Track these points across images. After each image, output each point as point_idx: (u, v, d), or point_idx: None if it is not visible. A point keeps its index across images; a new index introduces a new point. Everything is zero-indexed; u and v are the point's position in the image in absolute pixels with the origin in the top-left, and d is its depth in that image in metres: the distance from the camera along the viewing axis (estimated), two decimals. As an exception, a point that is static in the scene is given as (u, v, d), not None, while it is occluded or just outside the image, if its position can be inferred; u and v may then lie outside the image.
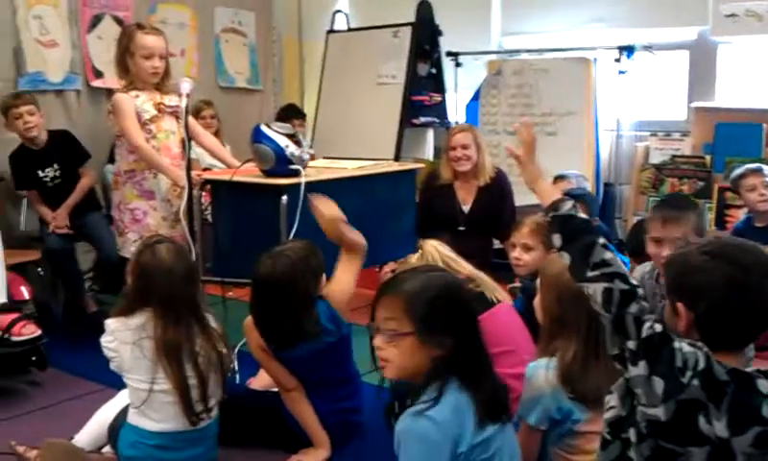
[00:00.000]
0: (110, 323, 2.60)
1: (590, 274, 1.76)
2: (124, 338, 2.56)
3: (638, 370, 1.64)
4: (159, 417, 2.54)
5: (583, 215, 1.89)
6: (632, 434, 1.68)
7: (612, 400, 1.78)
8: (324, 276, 2.91)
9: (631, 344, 1.66)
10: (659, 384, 1.60)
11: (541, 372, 2.20)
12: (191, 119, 3.75)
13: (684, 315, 1.68)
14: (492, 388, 1.99)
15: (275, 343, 2.87)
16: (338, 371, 3.00)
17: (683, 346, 1.63)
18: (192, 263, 2.68)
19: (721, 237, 1.79)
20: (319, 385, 2.93)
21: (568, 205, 1.90)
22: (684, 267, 1.71)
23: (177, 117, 3.76)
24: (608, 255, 1.77)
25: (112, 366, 2.63)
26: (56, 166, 4.47)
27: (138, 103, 3.77)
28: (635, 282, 1.74)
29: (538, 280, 2.41)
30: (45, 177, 4.45)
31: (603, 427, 1.80)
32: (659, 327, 1.67)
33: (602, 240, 1.80)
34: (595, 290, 1.74)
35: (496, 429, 1.97)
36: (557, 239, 1.88)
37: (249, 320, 2.93)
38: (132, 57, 3.78)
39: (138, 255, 2.64)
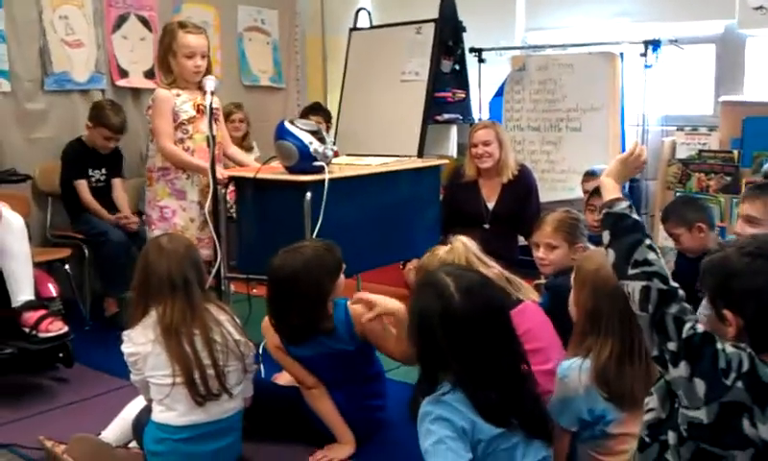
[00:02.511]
0: (129, 332, 2.62)
1: (631, 271, 1.75)
2: (142, 339, 2.57)
3: (679, 371, 1.62)
4: (182, 410, 2.54)
5: (636, 216, 1.87)
6: (671, 437, 1.66)
7: (651, 401, 1.76)
8: (342, 276, 2.90)
9: (671, 345, 1.64)
10: (700, 386, 1.58)
11: (575, 373, 2.18)
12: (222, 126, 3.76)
13: (734, 321, 1.65)
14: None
15: (285, 338, 2.88)
16: (359, 371, 3.00)
17: (726, 346, 1.60)
18: (191, 248, 2.68)
19: (755, 235, 1.74)
20: (340, 384, 2.94)
21: (624, 204, 1.89)
22: (726, 272, 1.67)
23: (215, 119, 3.73)
24: (651, 256, 1.75)
25: (133, 378, 2.64)
26: (104, 170, 4.68)
27: (178, 102, 3.79)
28: (674, 284, 1.72)
29: (572, 276, 2.38)
30: (93, 176, 4.64)
31: (641, 429, 1.78)
32: (700, 328, 1.64)
33: (648, 241, 1.79)
34: (634, 288, 1.73)
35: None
36: (606, 236, 1.87)
37: (266, 320, 2.95)
38: (175, 56, 3.80)
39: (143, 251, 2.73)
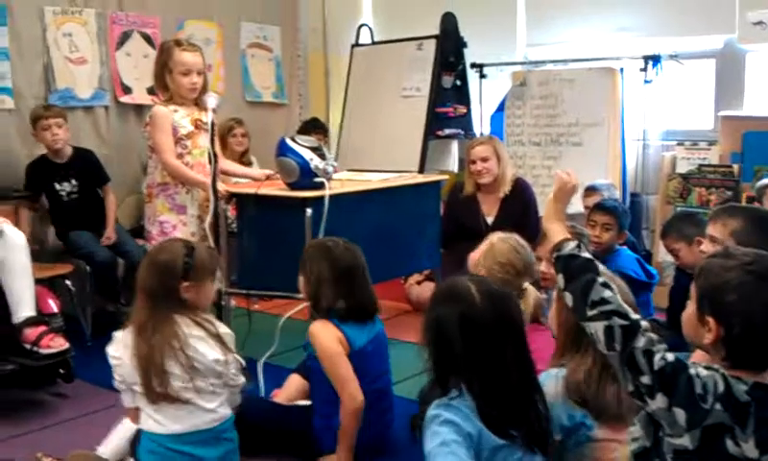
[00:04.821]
0: (116, 333, 2.64)
1: (590, 313, 1.72)
2: (126, 343, 2.58)
3: (657, 403, 1.61)
4: (167, 419, 2.55)
5: (586, 254, 1.84)
6: None
7: (635, 431, 1.75)
8: None
9: (645, 378, 1.62)
10: (680, 415, 1.57)
11: (551, 381, 2.18)
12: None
13: (715, 330, 1.63)
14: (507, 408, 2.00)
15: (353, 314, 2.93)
16: (381, 379, 3.04)
17: (699, 371, 1.59)
18: (175, 258, 2.62)
19: (762, 252, 1.70)
20: (366, 395, 2.92)
21: (571, 245, 1.86)
22: (723, 281, 1.63)
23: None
24: (606, 293, 1.72)
25: (116, 380, 2.65)
26: (74, 182, 4.56)
27: (176, 118, 3.81)
28: (635, 317, 1.69)
29: (554, 293, 2.39)
30: (62, 191, 4.54)
31: (629, 460, 1.77)
32: (670, 357, 1.62)
33: (602, 279, 1.75)
34: (596, 329, 1.70)
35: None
36: (560, 280, 1.84)
37: (319, 322, 2.91)
38: (171, 73, 3.82)
39: None
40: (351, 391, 2.84)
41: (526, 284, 2.93)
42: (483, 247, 2.97)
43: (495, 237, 3.00)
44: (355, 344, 2.90)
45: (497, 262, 2.89)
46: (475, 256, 2.96)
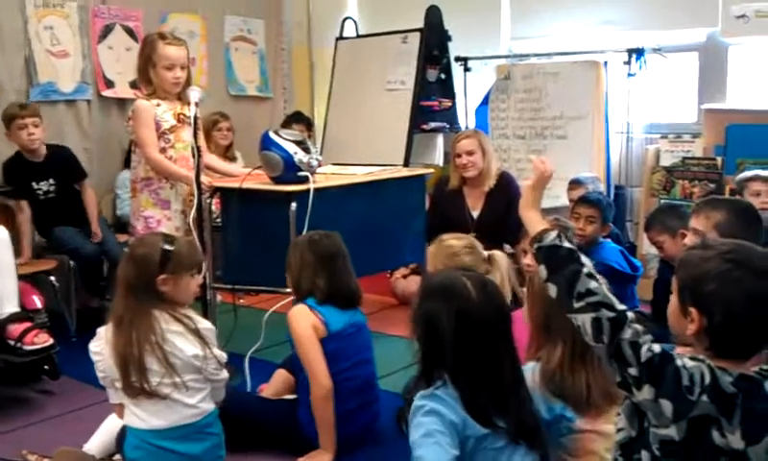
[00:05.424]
0: (100, 329, 2.64)
1: (576, 304, 1.71)
2: (108, 338, 2.58)
3: (644, 394, 1.61)
4: (147, 414, 2.56)
5: (568, 245, 1.82)
6: (644, 456, 1.65)
7: (620, 421, 1.75)
8: None
9: (632, 370, 1.62)
10: (667, 406, 1.58)
11: (528, 374, 2.19)
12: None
13: (697, 320, 1.63)
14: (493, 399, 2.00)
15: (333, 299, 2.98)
16: (363, 368, 3.06)
17: (685, 362, 1.60)
18: (152, 251, 2.61)
19: (741, 243, 1.71)
20: (347, 382, 2.98)
21: (552, 235, 1.84)
22: (703, 271, 1.64)
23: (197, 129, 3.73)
24: (592, 284, 1.71)
25: (99, 376, 2.66)
26: (51, 181, 4.48)
27: (159, 112, 3.78)
28: (622, 308, 1.69)
29: (525, 289, 2.40)
30: (39, 190, 4.45)
31: (614, 450, 1.78)
32: (657, 348, 1.63)
33: (586, 269, 1.74)
34: (584, 321, 1.69)
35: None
36: (542, 271, 1.82)
37: (297, 307, 2.97)
38: (154, 67, 3.79)
39: None
40: (318, 376, 2.89)
41: (492, 252, 3.01)
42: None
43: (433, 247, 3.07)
44: (332, 326, 2.94)
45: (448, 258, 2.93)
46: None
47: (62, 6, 4.90)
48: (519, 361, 2.10)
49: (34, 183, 4.44)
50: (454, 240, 3.03)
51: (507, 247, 4.51)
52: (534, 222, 1.95)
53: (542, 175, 2.10)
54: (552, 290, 1.79)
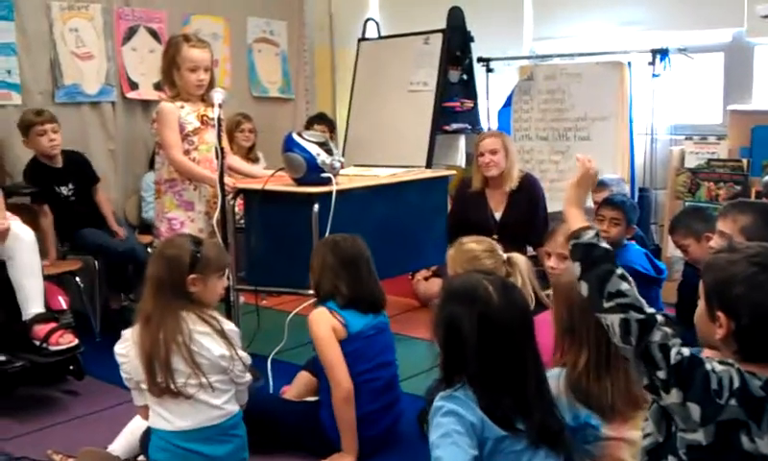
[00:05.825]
0: (125, 331, 2.66)
1: (606, 304, 1.71)
2: (134, 339, 2.60)
3: (672, 397, 1.61)
4: (173, 415, 2.57)
5: (605, 245, 1.83)
6: None
7: (647, 426, 1.74)
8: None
9: (660, 373, 1.62)
10: (695, 410, 1.57)
11: (554, 381, 2.18)
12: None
13: (725, 325, 1.62)
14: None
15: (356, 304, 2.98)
16: (385, 370, 3.05)
17: (714, 366, 1.59)
18: (182, 251, 2.63)
19: (767, 245, 1.70)
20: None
21: (591, 233, 1.84)
22: (730, 275, 1.63)
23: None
24: (624, 286, 1.71)
25: (124, 377, 2.68)
26: (71, 185, 4.54)
27: (183, 114, 3.80)
28: (651, 311, 1.69)
29: (551, 291, 2.38)
30: (61, 193, 4.50)
31: (640, 455, 1.77)
32: (686, 352, 1.63)
33: (620, 271, 1.74)
34: (612, 322, 1.69)
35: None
36: (576, 268, 1.83)
37: (317, 310, 2.98)
38: (179, 69, 3.81)
39: None
40: (338, 377, 2.89)
41: (511, 254, 2.99)
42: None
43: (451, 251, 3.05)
44: (352, 327, 2.94)
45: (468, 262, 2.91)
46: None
47: (87, 8, 4.94)
48: (543, 364, 2.09)
49: (56, 187, 4.49)
50: (474, 244, 3.01)
51: (529, 249, 4.50)
52: (575, 218, 1.94)
53: (587, 172, 2.09)
54: (584, 288, 1.79)
